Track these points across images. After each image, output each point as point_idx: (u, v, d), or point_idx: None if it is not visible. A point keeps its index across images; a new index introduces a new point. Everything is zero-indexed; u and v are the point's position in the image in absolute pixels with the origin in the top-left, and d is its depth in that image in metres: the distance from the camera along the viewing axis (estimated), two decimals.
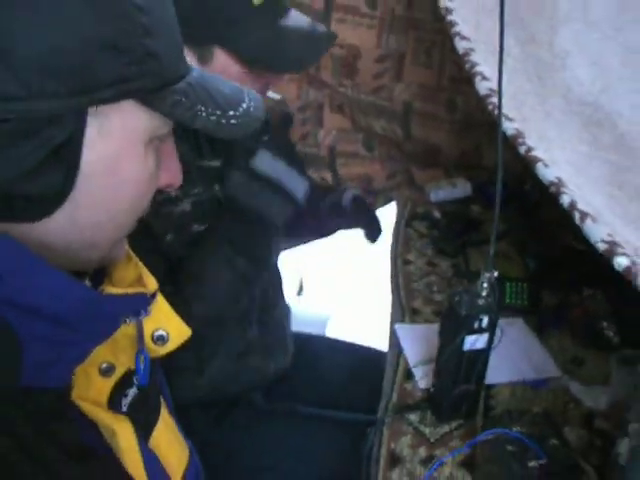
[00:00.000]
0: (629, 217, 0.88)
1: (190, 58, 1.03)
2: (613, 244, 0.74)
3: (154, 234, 1.06)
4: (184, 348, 0.71)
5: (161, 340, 0.67)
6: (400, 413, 1.04)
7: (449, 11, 1.13)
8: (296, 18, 1.11)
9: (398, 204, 1.78)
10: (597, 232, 0.75)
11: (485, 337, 0.90)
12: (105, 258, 0.61)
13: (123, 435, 0.61)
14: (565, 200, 0.79)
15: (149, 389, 0.70)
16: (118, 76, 0.50)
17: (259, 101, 0.63)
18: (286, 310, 1.50)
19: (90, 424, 0.59)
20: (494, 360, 1.16)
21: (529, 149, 0.87)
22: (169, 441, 0.72)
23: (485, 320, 0.88)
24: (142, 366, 0.65)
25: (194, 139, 1.14)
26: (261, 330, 1.32)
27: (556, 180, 0.82)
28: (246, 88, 0.63)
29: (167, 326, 0.68)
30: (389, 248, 1.56)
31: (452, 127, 1.75)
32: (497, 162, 0.78)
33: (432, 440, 0.99)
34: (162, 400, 0.76)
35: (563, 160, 0.92)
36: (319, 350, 1.55)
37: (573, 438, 0.95)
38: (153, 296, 0.66)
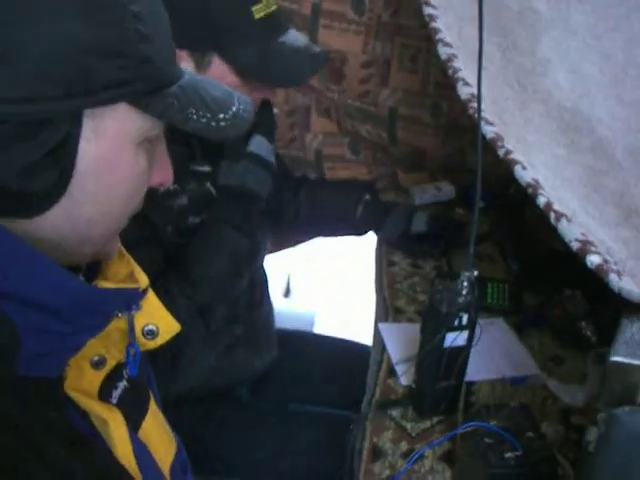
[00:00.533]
0: (604, 219, 0.92)
1: (189, 63, 1.08)
2: (586, 243, 0.77)
3: (156, 226, 1.12)
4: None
5: (151, 334, 0.69)
6: (383, 409, 1.06)
7: (432, 18, 1.16)
8: (294, 37, 1.16)
9: None
10: (571, 231, 0.79)
11: (465, 335, 0.93)
12: (98, 253, 0.63)
13: (114, 425, 0.63)
14: (541, 201, 0.82)
15: (138, 381, 0.72)
16: (113, 80, 0.52)
17: (249, 104, 0.65)
18: (270, 308, 1.53)
19: (82, 414, 0.61)
20: (475, 357, 1.19)
21: (508, 152, 0.90)
22: (158, 433, 0.75)
23: (465, 318, 0.91)
24: (132, 358, 0.68)
25: (187, 144, 1.18)
26: (247, 327, 1.35)
27: (533, 182, 0.86)
28: (236, 93, 0.65)
29: (157, 321, 0.70)
30: (374, 249, 1.59)
31: (437, 131, 1.79)
32: (478, 165, 0.80)
33: (413, 435, 1.02)
34: (150, 393, 0.77)
35: (540, 163, 0.95)
36: (305, 345, 1.59)
37: (550, 432, 0.99)
38: (144, 292, 0.68)
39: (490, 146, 0.96)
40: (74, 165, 0.53)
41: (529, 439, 0.85)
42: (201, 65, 1.09)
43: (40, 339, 0.55)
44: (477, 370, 1.15)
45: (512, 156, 0.89)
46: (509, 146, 0.91)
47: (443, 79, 1.70)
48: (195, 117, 0.59)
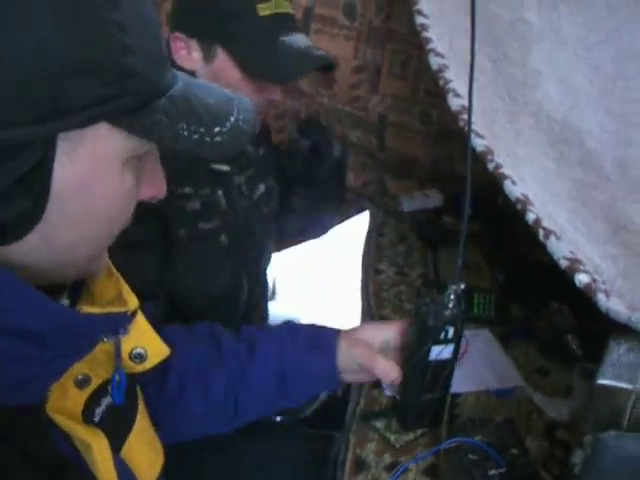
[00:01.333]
0: (592, 234, 0.91)
1: (198, 53, 1.14)
2: (575, 261, 0.76)
3: (169, 225, 1.14)
4: None
5: (139, 358, 0.68)
6: (366, 420, 1.06)
7: (424, 27, 1.15)
8: (297, 39, 1.18)
9: (371, 213, 1.80)
10: (560, 249, 0.78)
11: (451, 348, 0.92)
12: (83, 273, 0.60)
13: (98, 449, 0.60)
14: (530, 217, 0.82)
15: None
16: (92, 99, 0.47)
17: (250, 113, 0.58)
18: (265, 313, 1.53)
19: (65, 436, 0.59)
20: (460, 369, 1.17)
21: (497, 166, 0.90)
22: (141, 450, 0.72)
23: (451, 331, 0.90)
24: (117, 385, 0.65)
25: None
26: None
27: (522, 197, 0.85)
28: (237, 97, 0.59)
29: (146, 345, 0.68)
30: (360, 256, 1.58)
31: (426, 139, 1.78)
32: (467, 176, 0.80)
33: (397, 447, 1.01)
34: (141, 405, 0.75)
35: (530, 177, 0.95)
36: None
37: (534, 447, 0.98)
38: (133, 315, 0.64)
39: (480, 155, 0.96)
40: (48, 191, 0.49)
41: (513, 456, 0.84)
42: (208, 56, 1.14)
43: (20, 367, 0.52)
44: (462, 381, 1.14)
45: (502, 170, 0.89)
46: (499, 160, 0.91)
47: (433, 86, 1.70)
48: (186, 133, 0.53)
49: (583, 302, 1.18)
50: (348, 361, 0.95)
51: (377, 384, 1.11)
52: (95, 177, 0.51)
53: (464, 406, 1.10)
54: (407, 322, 0.95)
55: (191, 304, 1.23)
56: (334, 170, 1.44)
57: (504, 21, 1.25)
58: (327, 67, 1.26)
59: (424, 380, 0.93)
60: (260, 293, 1.46)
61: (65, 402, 0.59)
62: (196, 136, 0.54)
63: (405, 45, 1.69)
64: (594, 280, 0.74)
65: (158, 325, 0.77)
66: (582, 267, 0.75)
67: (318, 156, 1.39)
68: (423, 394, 0.95)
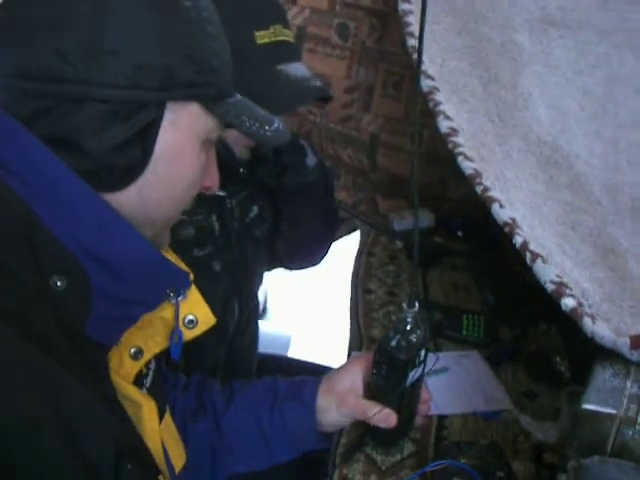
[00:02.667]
0: (580, 257, 0.91)
1: None
2: (561, 285, 0.76)
3: None
4: None
5: (191, 324, 0.79)
6: (350, 457, 1.04)
7: (415, 50, 1.16)
8: (296, 68, 1.16)
9: (361, 232, 1.80)
10: (547, 273, 0.78)
11: (421, 367, 0.92)
12: (153, 241, 0.69)
13: (148, 409, 0.73)
14: (518, 240, 0.82)
15: (157, 384, 0.82)
16: (190, 81, 0.64)
17: (285, 127, 0.77)
18: (254, 336, 1.52)
19: (118, 399, 0.70)
20: (448, 391, 1.18)
21: (485, 189, 0.90)
22: (170, 438, 0.83)
23: (422, 353, 0.90)
24: (175, 342, 0.77)
25: None
26: (228, 353, 1.35)
27: (510, 221, 0.85)
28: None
29: (197, 312, 0.79)
30: (350, 276, 1.58)
31: (418, 159, 1.78)
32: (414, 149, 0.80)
33: (383, 468, 1.00)
34: (168, 406, 0.86)
35: (518, 200, 0.95)
36: (278, 370, 1.56)
37: (521, 471, 0.97)
38: (191, 283, 0.76)
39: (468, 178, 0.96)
40: (153, 148, 0.64)
41: (499, 478, 0.84)
42: None
43: (106, 303, 0.63)
44: (449, 403, 1.14)
45: (490, 193, 0.89)
46: (487, 183, 0.91)
47: (426, 107, 1.71)
48: (248, 124, 0.71)
49: (572, 324, 1.19)
50: (338, 418, 0.98)
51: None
52: (185, 147, 0.67)
53: (451, 428, 1.09)
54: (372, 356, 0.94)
55: None
56: (315, 184, 1.39)
57: (495, 43, 1.26)
58: (323, 98, 1.26)
59: (402, 404, 0.93)
60: (250, 317, 1.44)
61: (121, 369, 0.72)
62: (254, 128, 0.72)
63: (398, 66, 1.70)
64: (580, 304, 0.74)
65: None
66: (568, 291, 0.75)
67: (282, 162, 1.33)
68: (402, 414, 0.94)
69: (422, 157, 1.78)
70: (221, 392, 1.01)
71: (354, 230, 1.87)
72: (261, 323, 2.07)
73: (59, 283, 0.60)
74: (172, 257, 0.77)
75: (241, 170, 1.26)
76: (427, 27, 1.25)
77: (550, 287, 0.76)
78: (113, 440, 0.58)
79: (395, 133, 1.75)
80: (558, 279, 0.77)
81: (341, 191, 1.91)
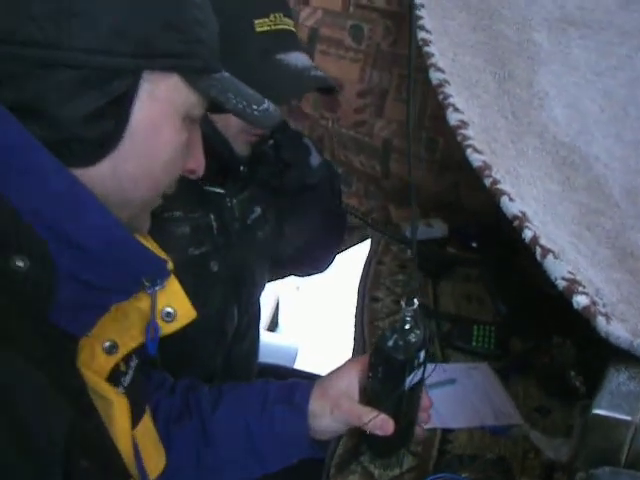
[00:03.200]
0: (596, 259, 0.85)
1: None
2: (574, 282, 0.70)
3: None
4: None
5: (169, 317, 0.73)
6: (351, 459, 0.97)
7: (426, 42, 1.11)
8: (296, 58, 1.11)
9: (372, 241, 1.75)
10: (558, 269, 0.72)
11: (421, 369, 0.86)
12: (131, 225, 0.66)
13: (119, 406, 0.68)
14: (527, 234, 0.76)
15: (140, 382, 0.78)
16: (171, 51, 0.61)
17: (277, 109, 0.73)
18: (254, 344, 1.46)
19: (86, 393, 0.65)
20: (454, 403, 1.12)
21: (495, 181, 0.84)
22: (148, 443, 0.77)
23: (422, 355, 0.84)
24: (151, 336, 0.71)
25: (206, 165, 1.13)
26: (226, 360, 1.29)
27: (520, 214, 0.79)
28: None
29: (176, 304, 0.73)
30: (357, 283, 1.52)
31: (431, 166, 1.73)
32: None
33: None
34: (147, 407, 0.81)
35: (530, 197, 0.89)
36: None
37: None
38: (170, 273, 0.71)
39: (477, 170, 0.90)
40: (129, 118, 0.60)
41: None
42: None
43: (73, 288, 0.59)
44: (455, 416, 1.08)
45: (499, 186, 0.83)
46: (497, 176, 0.85)
47: (440, 112, 1.65)
48: (234, 101, 0.68)
49: (587, 336, 1.12)
50: (331, 424, 0.92)
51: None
52: (163, 121, 0.63)
53: (456, 442, 1.02)
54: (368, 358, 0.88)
55: (176, 334, 1.17)
56: (318, 188, 1.33)
57: (511, 41, 1.21)
58: (329, 89, 1.21)
59: (400, 410, 0.86)
60: (250, 323, 1.39)
61: (93, 363, 0.67)
62: (240, 106, 0.68)
63: (413, 70, 1.65)
64: (594, 302, 0.67)
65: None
66: (581, 289, 0.69)
67: (283, 159, 1.27)
68: (400, 422, 0.88)
69: (436, 164, 1.73)
70: (209, 395, 0.95)
71: (365, 239, 1.82)
72: (269, 334, 2.03)
73: (20, 263, 0.55)
74: (152, 245, 0.72)
75: (241, 168, 1.21)
76: (440, 22, 1.21)
77: (561, 284, 0.70)
78: (65, 433, 0.52)
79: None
80: (570, 276, 0.70)
81: (353, 199, 1.86)
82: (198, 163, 0.73)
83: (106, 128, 0.59)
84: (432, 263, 1.58)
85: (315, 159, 1.26)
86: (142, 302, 0.71)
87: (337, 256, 1.79)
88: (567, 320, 1.22)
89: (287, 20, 1.12)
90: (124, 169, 0.62)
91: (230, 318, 1.27)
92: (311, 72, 1.10)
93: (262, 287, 1.43)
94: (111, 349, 0.69)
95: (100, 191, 0.60)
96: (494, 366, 1.22)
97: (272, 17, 1.07)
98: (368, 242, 1.79)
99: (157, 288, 0.70)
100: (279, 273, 1.60)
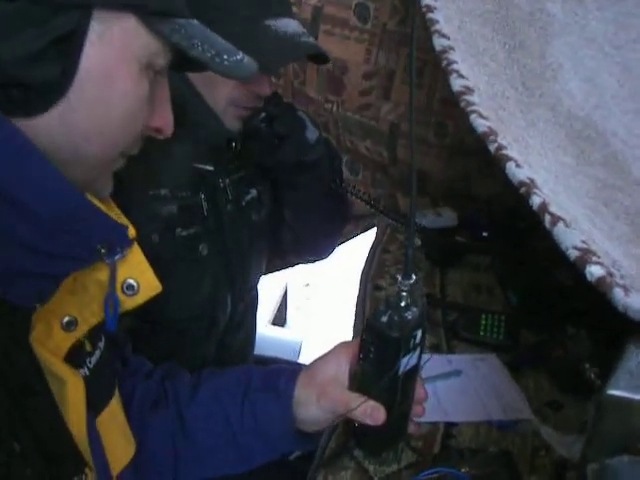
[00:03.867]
0: (614, 233, 0.77)
1: None
2: (587, 252, 0.62)
3: (141, 232, 1.00)
4: None
5: (131, 290, 0.66)
6: (344, 452, 0.90)
7: (430, 9, 1.04)
8: (285, 23, 1.05)
9: (378, 228, 1.67)
10: (570, 238, 0.64)
11: (417, 351, 0.78)
12: (89, 187, 0.60)
13: (73, 386, 0.62)
14: (535, 201, 0.68)
15: (106, 366, 0.72)
16: None
17: (252, 62, 0.66)
18: (250, 334, 1.40)
19: (37, 371, 0.60)
20: (459, 395, 1.04)
21: (500, 147, 0.76)
22: (114, 431, 0.72)
23: (419, 335, 0.76)
24: (111, 312, 0.65)
25: (191, 142, 1.08)
26: (219, 350, 1.23)
27: (528, 181, 0.71)
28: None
29: (138, 276, 0.66)
30: (360, 271, 1.45)
31: (441, 152, 1.65)
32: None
33: (376, 479, 0.86)
34: (117, 391, 0.76)
35: (540, 166, 0.81)
36: None
37: None
38: (132, 241, 0.65)
39: (498, 172, 0.82)
40: (77, 63, 0.53)
41: None
42: None
43: (20, 255, 0.54)
44: (460, 410, 1.00)
45: (505, 152, 0.75)
46: (503, 142, 0.77)
47: (450, 96, 1.57)
48: (200, 49, 0.60)
49: (603, 326, 1.04)
50: (318, 413, 0.84)
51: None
52: (118, 68, 0.56)
53: (460, 437, 0.95)
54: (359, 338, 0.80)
55: (164, 321, 1.10)
56: (317, 167, 1.23)
57: (523, 10, 1.13)
58: (321, 59, 1.14)
59: (394, 397, 0.78)
60: (245, 312, 1.31)
61: (49, 340, 0.61)
62: (208, 54, 0.61)
63: (421, 51, 1.56)
64: (610, 274, 0.59)
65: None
66: (595, 259, 0.61)
67: (277, 132, 1.16)
68: (393, 413, 0.79)
69: (445, 150, 1.65)
70: (188, 381, 0.88)
71: (371, 228, 1.74)
72: (272, 328, 1.96)
73: None
74: (113, 211, 0.66)
75: (233, 144, 1.14)
76: None
77: (573, 254, 0.62)
78: None
79: (417, 123, 1.61)
80: (584, 245, 0.62)
81: (359, 187, 1.78)
82: (164, 121, 0.66)
83: (51, 73, 0.53)
84: (440, 251, 1.50)
85: (312, 133, 1.18)
86: (102, 273, 0.64)
87: (341, 244, 1.72)
88: (582, 310, 1.16)
89: None
90: (74, 121, 0.55)
91: (223, 306, 1.20)
92: (302, 38, 1.04)
93: (259, 274, 1.35)
94: (70, 325, 0.63)
95: (48, 145, 0.54)
96: (503, 358, 1.14)
97: None
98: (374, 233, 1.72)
99: (116, 257, 0.63)
100: (281, 261, 1.53)
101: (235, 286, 1.22)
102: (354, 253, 2.04)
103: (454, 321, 1.22)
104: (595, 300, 0.64)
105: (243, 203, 1.21)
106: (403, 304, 0.74)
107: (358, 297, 1.34)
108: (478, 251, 1.53)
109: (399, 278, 0.74)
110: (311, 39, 1.08)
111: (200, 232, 1.09)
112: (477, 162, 1.63)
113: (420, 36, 1.55)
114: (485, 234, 1.60)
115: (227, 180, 1.16)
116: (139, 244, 1.00)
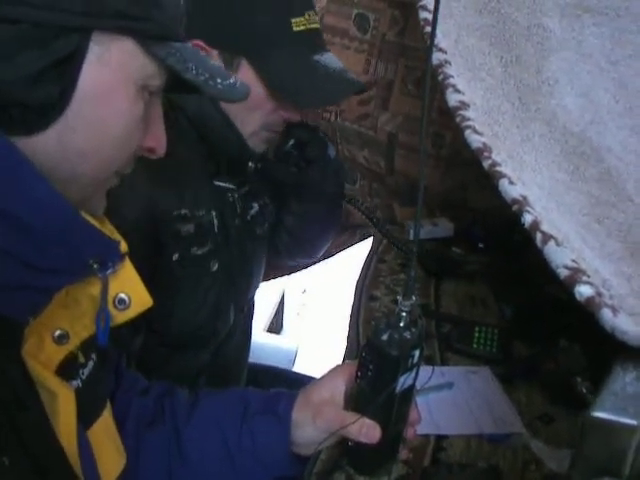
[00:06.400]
0: (605, 251, 0.78)
1: (217, 62, 1.03)
2: (577, 271, 0.63)
3: (163, 250, 1.04)
4: None
5: (122, 304, 0.66)
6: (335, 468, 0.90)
7: (428, 23, 1.04)
8: (330, 59, 1.08)
9: (374, 237, 1.67)
10: (560, 256, 0.65)
11: (414, 372, 0.78)
12: (83, 205, 0.61)
13: (64, 399, 0.62)
14: (527, 219, 0.69)
15: (99, 379, 0.72)
16: (123, 12, 0.55)
17: (245, 86, 0.68)
18: (245, 342, 1.40)
19: (28, 384, 0.60)
20: (450, 408, 1.04)
21: (494, 163, 0.77)
22: (105, 442, 0.72)
23: (417, 355, 0.76)
24: (102, 325, 0.65)
25: (211, 159, 1.12)
26: (213, 357, 1.23)
27: (520, 198, 0.72)
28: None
29: (130, 291, 0.67)
30: (356, 280, 1.45)
31: (437, 163, 1.65)
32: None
33: None
34: (108, 404, 0.76)
35: (534, 183, 0.82)
36: (278, 384, 1.45)
37: None
38: (123, 256, 0.65)
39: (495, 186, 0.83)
40: (76, 84, 0.55)
41: None
42: (229, 67, 1.03)
43: (9, 266, 0.54)
44: (451, 422, 1.00)
45: (499, 168, 0.76)
46: (497, 158, 0.78)
47: (447, 107, 1.58)
48: (194, 72, 0.61)
49: (596, 340, 1.04)
50: (314, 433, 0.84)
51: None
52: (115, 89, 0.58)
53: (450, 450, 0.95)
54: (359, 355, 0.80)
55: (170, 333, 1.11)
56: (332, 177, 1.28)
57: (520, 25, 1.14)
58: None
59: (390, 417, 0.78)
60: (242, 321, 1.32)
61: (41, 353, 0.62)
62: (202, 78, 0.62)
63: (420, 61, 1.58)
64: (599, 294, 0.60)
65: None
66: (585, 278, 0.61)
67: (307, 157, 1.22)
68: (387, 432, 0.80)
69: (443, 160, 1.65)
70: (186, 401, 0.89)
71: (367, 237, 1.75)
72: (267, 335, 1.96)
73: None
74: (106, 227, 0.66)
75: (250, 164, 1.15)
76: (444, 3, 1.14)
77: (563, 273, 0.62)
78: None
79: (414, 133, 1.62)
80: (574, 264, 0.63)
81: (357, 196, 1.79)
82: (158, 141, 0.67)
83: (50, 93, 0.54)
84: (435, 262, 1.51)
85: (332, 150, 1.22)
86: (94, 288, 0.64)
87: (338, 252, 1.73)
88: (575, 324, 1.16)
89: (316, 18, 1.08)
90: (71, 140, 0.56)
91: (225, 317, 1.20)
92: (348, 75, 1.08)
93: (258, 284, 1.37)
94: (61, 338, 0.64)
95: (45, 163, 0.55)
96: (496, 371, 1.14)
97: (307, 15, 1.04)
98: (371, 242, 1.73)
99: (108, 272, 0.63)
100: (274, 265, 1.54)
101: (238, 298, 1.22)
102: (351, 260, 2.04)
103: (448, 333, 1.23)
104: (588, 314, 0.65)
105: (248, 217, 1.23)
106: (402, 324, 0.74)
107: (352, 307, 1.34)
108: (473, 262, 1.54)
109: (399, 299, 0.74)
110: (353, 75, 1.12)
111: (212, 250, 1.10)
112: (474, 173, 1.63)
113: (419, 47, 1.58)
114: (481, 245, 1.60)
115: (236, 195, 1.17)
116: (160, 265, 1.02)
